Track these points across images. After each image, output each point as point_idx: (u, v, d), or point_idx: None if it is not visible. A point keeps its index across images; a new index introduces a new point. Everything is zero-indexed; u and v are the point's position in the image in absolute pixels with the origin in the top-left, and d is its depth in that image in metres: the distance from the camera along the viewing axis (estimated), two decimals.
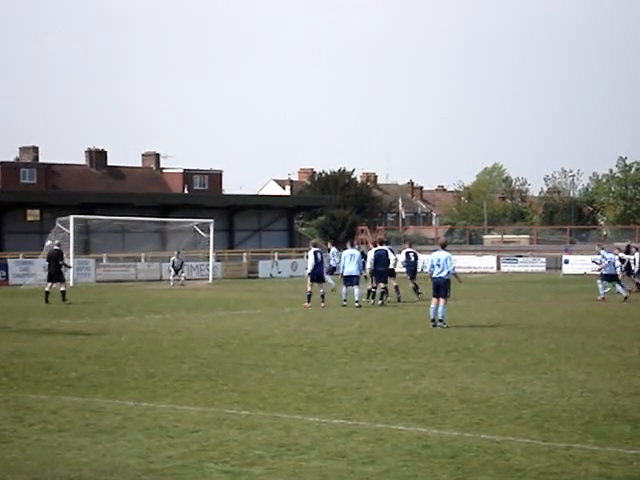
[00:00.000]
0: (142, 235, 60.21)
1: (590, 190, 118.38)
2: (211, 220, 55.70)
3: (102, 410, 12.79)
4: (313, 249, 32.72)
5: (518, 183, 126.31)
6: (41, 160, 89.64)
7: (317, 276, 32.34)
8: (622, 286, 35.35)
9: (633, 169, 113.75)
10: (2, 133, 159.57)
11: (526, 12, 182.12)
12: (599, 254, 35.91)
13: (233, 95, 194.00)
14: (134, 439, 11.02)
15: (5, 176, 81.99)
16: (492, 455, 10.15)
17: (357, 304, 30.96)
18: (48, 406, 13.11)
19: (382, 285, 32.13)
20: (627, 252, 41.23)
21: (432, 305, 24.30)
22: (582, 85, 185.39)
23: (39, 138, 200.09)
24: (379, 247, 32.64)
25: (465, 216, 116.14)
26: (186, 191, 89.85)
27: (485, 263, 68.25)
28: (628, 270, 39.24)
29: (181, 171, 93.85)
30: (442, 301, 24.08)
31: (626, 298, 34.05)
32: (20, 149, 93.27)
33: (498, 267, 67.90)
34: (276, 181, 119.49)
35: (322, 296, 31.72)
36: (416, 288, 34.47)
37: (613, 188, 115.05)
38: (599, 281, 35.42)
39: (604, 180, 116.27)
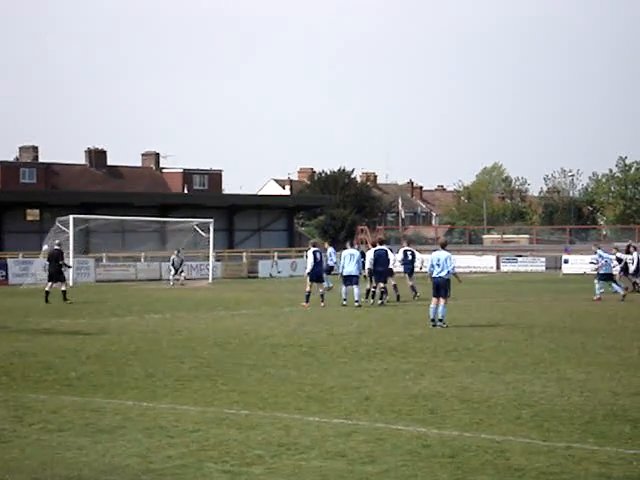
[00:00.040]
0: (142, 235, 60.20)
1: (590, 190, 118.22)
2: (211, 220, 55.66)
3: (102, 410, 12.79)
4: (312, 249, 32.73)
5: (518, 183, 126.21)
6: (41, 160, 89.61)
7: (316, 276, 32.34)
8: (619, 285, 35.39)
9: (633, 169, 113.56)
10: (2, 133, 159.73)
11: (526, 12, 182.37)
12: (595, 253, 35.99)
13: (233, 95, 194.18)
14: (134, 439, 11.03)
15: (5, 176, 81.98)
16: (492, 455, 10.16)
17: (357, 304, 31.00)
18: (48, 406, 13.11)
19: (382, 285, 32.14)
20: (627, 252, 41.27)
21: (432, 305, 24.31)
22: (582, 85, 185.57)
23: (39, 138, 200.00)
24: (379, 247, 32.65)
25: (465, 216, 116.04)
26: (186, 191, 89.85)
27: (485, 263, 68.27)
28: (625, 270, 39.26)
29: (181, 171, 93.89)
30: (442, 301, 24.09)
31: (624, 296, 34.07)
32: (20, 149, 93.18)
33: (498, 267, 67.95)
34: (276, 181, 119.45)
35: (322, 296, 31.78)
36: (413, 288, 34.51)
37: (613, 188, 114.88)
38: (596, 281, 35.47)
39: (604, 180, 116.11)
